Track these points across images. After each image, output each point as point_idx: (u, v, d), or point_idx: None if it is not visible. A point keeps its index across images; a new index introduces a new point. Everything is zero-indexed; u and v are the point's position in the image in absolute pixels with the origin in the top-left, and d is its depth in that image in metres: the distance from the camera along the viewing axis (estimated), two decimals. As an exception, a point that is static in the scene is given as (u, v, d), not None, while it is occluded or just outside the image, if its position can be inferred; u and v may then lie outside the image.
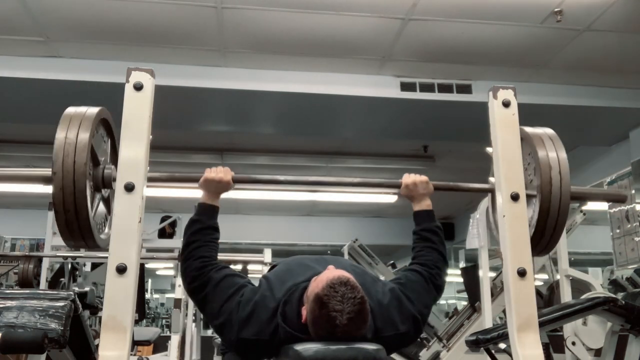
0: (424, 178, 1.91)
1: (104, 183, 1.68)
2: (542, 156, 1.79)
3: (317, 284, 1.56)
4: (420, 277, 1.81)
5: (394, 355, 4.71)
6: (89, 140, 1.56)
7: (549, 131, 1.89)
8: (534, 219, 1.80)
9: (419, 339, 5.88)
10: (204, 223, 1.81)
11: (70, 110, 1.64)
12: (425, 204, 1.94)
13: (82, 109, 1.64)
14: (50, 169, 1.54)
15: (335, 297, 1.50)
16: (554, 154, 1.80)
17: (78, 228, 1.56)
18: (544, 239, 1.80)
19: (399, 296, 1.73)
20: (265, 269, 4.40)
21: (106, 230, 1.79)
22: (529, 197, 1.85)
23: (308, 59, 4.48)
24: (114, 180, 1.64)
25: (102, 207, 1.76)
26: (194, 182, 1.83)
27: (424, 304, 1.77)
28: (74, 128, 1.57)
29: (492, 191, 1.90)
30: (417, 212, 1.95)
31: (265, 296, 1.67)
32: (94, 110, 1.65)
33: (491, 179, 1.83)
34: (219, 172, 1.81)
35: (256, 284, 1.80)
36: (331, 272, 1.59)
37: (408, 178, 1.92)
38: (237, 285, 1.71)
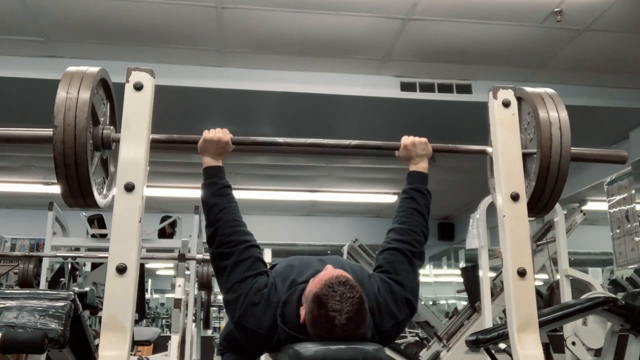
0: (423, 139, 1.93)
1: (103, 143, 1.70)
2: (543, 114, 1.78)
3: (315, 284, 1.56)
4: (401, 255, 1.78)
5: (394, 355, 4.72)
6: (89, 97, 1.57)
7: (550, 90, 1.86)
8: (533, 176, 1.80)
9: (419, 339, 5.90)
10: (217, 184, 1.82)
11: (71, 69, 1.64)
12: (422, 166, 1.93)
13: (82, 68, 1.65)
14: (51, 130, 1.55)
15: (334, 297, 1.50)
16: (555, 112, 1.78)
17: (77, 184, 1.57)
18: (543, 197, 1.80)
19: (389, 286, 1.72)
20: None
21: (104, 191, 1.80)
22: (529, 155, 1.84)
23: (308, 59, 4.48)
24: (113, 141, 1.68)
25: (100, 169, 1.78)
26: (194, 144, 1.85)
27: (413, 281, 1.76)
28: (75, 85, 1.58)
29: (488, 153, 1.88)
30: (411, 172, 1.93)
31: (271, 292, 1.68)
32: (94, 69, 1.66)
33: (491, 179, 1.83)
34: (218, 132, 1.83)
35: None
36: (329, 272, 1.59)
37: (407, 139, 1.93)
38: (256, 271, 1.70)
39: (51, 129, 1.55)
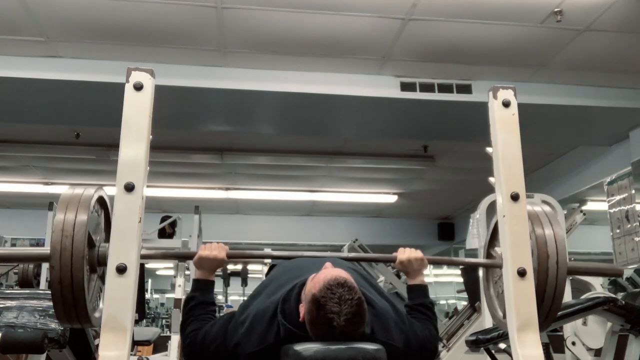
0: (418, 255, 1.90)
1: (99, 262, 1.67)
2: (539, 233, 1.78)
3: (314, 284, 1.56)
4: (422, 325, 1.83)
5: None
6: (86, 227, 1.55)
7: (547, 208, 1.88)
8: None
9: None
10: (198, 299, 1.84)
11: (67, 193, 1.63)
12: (420, 280, 1.93)
13: (78, 191, 1.63)
14: (47, 250, 1.55)
15: (333, 298, 1.50)
16: (551, 231, 1.79)
17: (74, 307, 1.57)
18: (540, 315, 1.75)
19: (401, 313, 1.76)
20: (265, 269, 4.40)
21: (101, 305, 1.78)
22: None
23: (308, 59, 4.48)
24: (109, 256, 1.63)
25: (97, 284, 1.76)
26: (189, 259, 1.87)
27: (417, 341, 1.75)
28: (71, 213, 1.57)
29: (493, 266, 1.88)
30: (411, 287, 1.95)
31: (261, 305, 1.70)
32: (90, 191, 1.65)
33: (491, 179, 1.83)
34: (213, 250, 1.82)
35: (254, 286, 1.84)
36: (328, 272, 1.59)
37: (403, 254, 1.91)
38: (226, 319, 1.76)
39: (48, 250, 1.54)
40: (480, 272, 4.07)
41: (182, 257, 1.86)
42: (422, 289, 1.94)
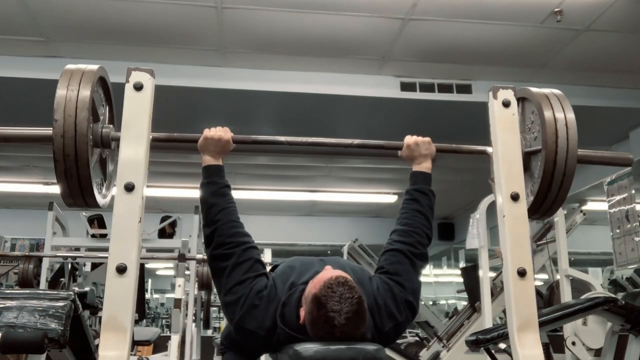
0: (426, 139, 1.91)
1: (103, 141, 1.69)
2: (548, 114, 1.75)
3: (314, 285, 1.56)
4: (402, 256, 1.77)
5: (394, 355, 4.72)
6: (90, 92, 1.58)
7: (556, 91, 1.84)
8: (538, 176, 1.76)
9: (419, 339, 5.89)
10: (217, 183, 1.81)
11: (71, 66, 1.65)
12: (425, 166, 1.91)
13: (82, 66, 1.66)
14: (51, 129, 1.54)
15: (333, 297, 1.50)
16: (561, 113, 1.75)
17: (77, 180, 1.57)
18: (548, 197, 1.75)
19: (389, 287, 1.71)
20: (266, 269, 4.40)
21: (104, 191, 1.79)
22: (533, 154, 1.81)
23: (308, 59, 4.48)
24: (113, 139, 1.67)
25: (98, 168, 1.77)
26: (194, 142, 1.83)
27: (414, 283, 1.75)
28: (75, 81, 1.59)
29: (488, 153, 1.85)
30: (414, 172, 1.92)
31: (271, 293, 1.67)
32: (93, 66, 1.67)
33: (491, 179, 1.83)
34: (218, 131, 1.81)
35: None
36: (329, 272, 1.59)
37: (410, 138, 1.92)
38: (256, 272, 1.69)
39: (51, 129, 1.54)
40: (481, 274, 4.06)
41: (186, 140, 1.84)
42: (425, 176, 1.90)
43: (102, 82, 1.75)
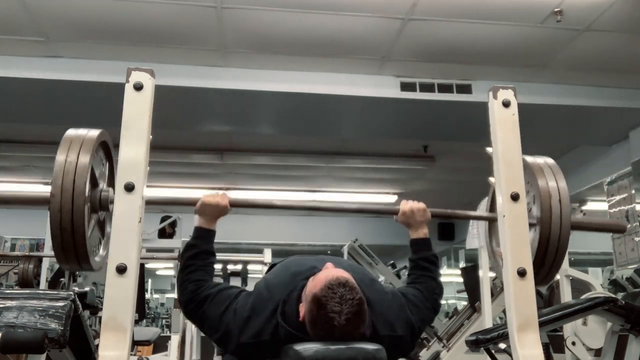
0: (421, 205, 1.89)
1: (101, 205, 1.68)
2: (543, 185, 1.78)
3: (315, 284, 1.56)
4: (421, 294, 1.82)
5: (394, 355, 4.71)
6: (89, 162, 1.57)
7: (550, 161, 1.88)
8: (534, 248, 1.78)
9: (419, 340, 5.89)
10: (199, 247, 1.81)
11: (71, 132, 1.64)
12: (423, 232, 1.91)
13: (82, 132, 1.64)
14: (49, 190, 1.54)
15: (334, 298, 1.49)
16: (554, 183, 1.80)
17: (74, 250, 1.56)
18: (544, 268, 1.78)
19: (402, 302, 1.74)
20: (265, 269, 4.40)
21: (101, 252, 1.78)
22: (529, 225, 1.84)
23: (308, 59, 4.48)
24: (111, 202, 1.64)
25: (96, 231, 1.76)
26: (192, 205, 1.83)
27: (422, 318, 1.78)
28: (74, 150, 1.58)
29: (493, 219, 1.88)
30: (414, 240, 1.93)
31: (263, 297, 1.68)
32: (94, 133, 1.66)
33: (491, 179, 1.83)
34: (216, 197, 1.81)
35: (252, 287, 1.81)
36: (329, 272, 1.59)
37: (405, 205, 1.89)
38: (232, 295, 1.72)
39: (49, 192, 1.54)
40: (481, 274, 4.06)
41: (185, 203, 1.83)
42: (426, 242, 1.92)
43: (104, 145, 1.74)
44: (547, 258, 1.77)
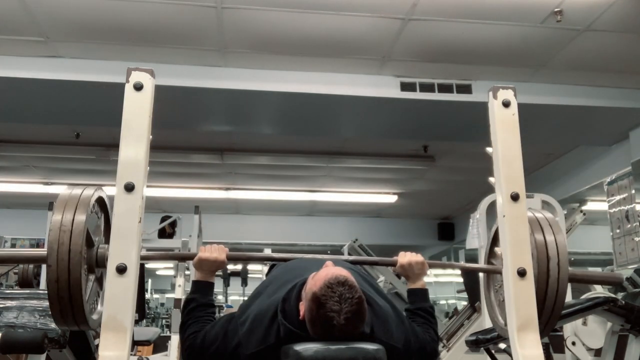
0: (419, 259, 1.89)
1: (98, 263, 1.67)
2: (539, 239, 1.79)
3: (314, 282, 1.55)
4: (420, 329, 1.84)
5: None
6: (85, 220, 1.56)
7: (548, 215, 1.88)
8: None
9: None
10: (197, 301, 1.84)
11: (65, 193, 1.62)
12: (420, 283, 1.94)
13: (76, 192, 1.63)
14: (45, 251, 1.54)
15: (333, 297, 1.49)
16: (552, 237, 1.80)
17: (72, 315, 1.56)
18: (542, 320, 1.76)
19: (401, 316, 1.77)
20: (265, 268, 4.41)
21: (99, 308, 1.77)
22: None
23: (308, 59, 4.48)
24: (107, 259, 1.61)
25: (95, 288, 1.75)
26: (189, 260, 1.85)
27: (418, 344, 1.76)
28: (69, 212, 1.56)
29: (494, 272, 1.87)
30: (412, 290, 1.95)
31: (262, 305, 1.69)
32: (89, 191, 1.65)
33: (491, 179, 1.83)
34: (213, 252, 1.82)
35: (254, 286, 1.83)
36: (329, 270, 1.58)
37: (404, 258, 1.90)
38: (224, 319, 1.75)
39: (45, 252, 1.54)
40: (481, 276, 4.07)
41: (182, 258, 1.84)
42: (423, 293, 1.94)
43: (99, 200, 1.73)
44: (544, 311, 1.77)
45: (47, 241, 1.56)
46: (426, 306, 1.92)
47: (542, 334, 1.83)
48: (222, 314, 4.54)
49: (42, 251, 1.57)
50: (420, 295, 1.93)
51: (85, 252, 1.58)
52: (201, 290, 1.85)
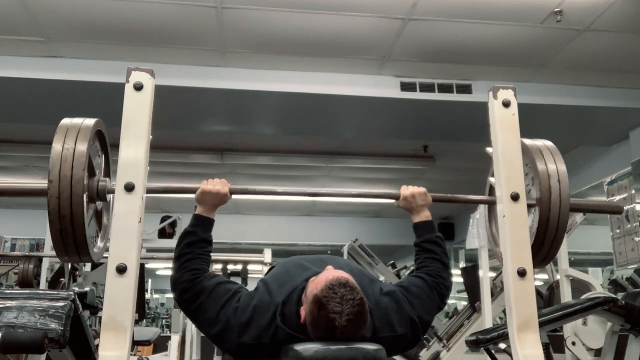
0: (422, 190, 1.89)
1: (99, 195, 1.67)
2: (541, 167, 1.79)
3: (315, 285, 1.55)
4: (424, 283, 1.80)
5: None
6: (86, 149, 1.56)
7: (548, 143, 1.89)
8: (533, 229, 1.80)
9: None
10: (198, 235, 1.78)
11: (66, 121, 1.63)
12: (425, 215, 1.91)
13: (78, 120, 1.64)
14: (46, 183, 1.54)
15: (335, 298, 1.49)
16: (553, 165, 1.81)
17: (73, 239, 1.55)
18: (543, 248, 1.79)
19: (398, 299, 1.72)
20: (265, 268, 4.40)
21: (98, 243, 1.78)
22: (528, 206, 1.84)
23: (308, 59, 4.48)
24: (109, 192, 1.64)
25: (93, 222, 1.76)
26: (191, 193, 1.80)
27: (425, 310, 1.75)
28: (71, 138, 1.57)
29: (492, 202, 1.88)
30: (417, 224, 1.93)
31: (264, 300, 1.67)
32: (90, 121, 1.65)
33: (491, 179, 1.83)
34: (216, 185, 1.78)
35: (253, 286, 1.79)
36: (330, 273, 1.59)
37: (406, 190, 1.90)
38: (231, 291, 1.69)
39: (46, 183, 1.53)
40: (481, 274, 4.06)
41: (183, 191, 1.82)
42: (428, 225, 1.92)
43: (99, 134, 1.74)
44: (546, 239, 1.78)
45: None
46: (432, 237, 1.90)
47: (543, 263, 1.86)
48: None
49: (42, 183, 1.56)
50: (425, 227, 1.91)
51: (87, 178, 1.58)
52: (202, 225, 1.79)
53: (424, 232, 1.91)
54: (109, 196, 1.70)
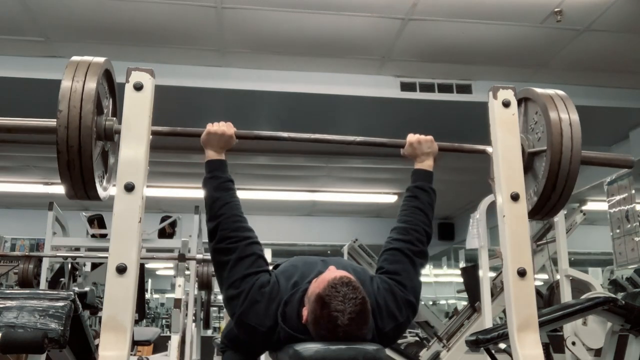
0: (429, 137, 1.93)
1: (106, 133, 1.69)
2: (553, 114, 1.76)
3: (318, 285, 1.56)
4: (402, 255, 1.77)
5: (394, 355, 4.72)
6: (96, 84, 1.57)
7: (560, 92, 1.85)
8: (542, 176, 1.77)
9: (419, 339, 5.89)
10: (220, 177, 1.80)
11: (76, 58, 1.65)
12: (427, 164, 1.93)
13: (88, 58, 1.66)
14: (54, 121, 1.54)
15: (337, 297, 1.50)
16: (565, 112, 1.77)
17: (80, 171, 1.56)
18: (552, 197, 1.75)
19: (390, 287, 1.71)
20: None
21: (104, 183, 1.79)
22: (537, 154, 1.82)
23: (308, 59, 4.48)
24: (116, 132, 1.67)
25: (100, 162, 1.77)
26: (197, 137, 1.81)
27: (414, 281, 1.75)
28: (80, 73, 1.59)
29: (488, 152, 1.86)
30: (416, 170, 1.94)
31: (273, 290, 1.67)
32: (99, 59, 1.67)
33: (491, 179, 1.82)
34: (222, 126, 1.81)
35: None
36: (332, 273, 1.59)
37: (412, 137, 1.94)
38: (258, 268, 1.69)
39: (54, 121, 1.54)
40: (481, 274, 4.06)
41: (189, 134, 1.82)
42: (427, 174, 1.93)
43: (107, 74, 1.76)
44: (555, 189, 1.75)
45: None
46: (425, 185, 1.90)
47: (551, 213, 1.83)
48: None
49: (51, 121, 1.57)
50: (422, 174, 1.93)
51: (96, 114, 1.59)
52: (218, 168, 1.82)
53: (419, 179, 1.92)
54: (116, 137, 1.71)
